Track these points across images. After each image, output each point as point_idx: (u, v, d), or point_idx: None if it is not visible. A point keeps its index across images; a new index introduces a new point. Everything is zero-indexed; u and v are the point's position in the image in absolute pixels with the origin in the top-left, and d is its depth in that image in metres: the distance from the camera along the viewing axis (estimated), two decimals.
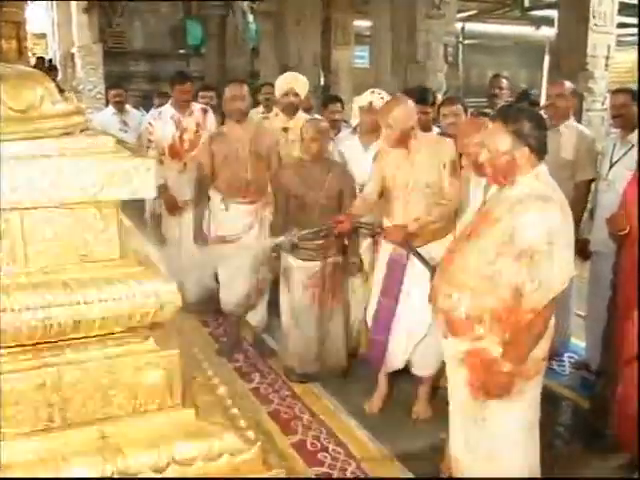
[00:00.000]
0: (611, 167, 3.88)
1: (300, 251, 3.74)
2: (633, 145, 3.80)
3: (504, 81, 5.13)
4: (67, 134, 1.45)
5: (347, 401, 3.63)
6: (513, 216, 2.25)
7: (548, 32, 12.03)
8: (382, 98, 3.82)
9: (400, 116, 3.20)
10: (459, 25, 12.54)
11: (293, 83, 4.42)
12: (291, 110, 4.41)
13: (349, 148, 4.04)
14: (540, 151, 2.31)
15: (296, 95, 4.38)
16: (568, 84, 4.34)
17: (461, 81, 13.79)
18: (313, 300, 3.78)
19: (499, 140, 2.31)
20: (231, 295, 4.18)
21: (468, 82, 14.17)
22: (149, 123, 4.75)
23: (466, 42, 13.99)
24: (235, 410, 1.69)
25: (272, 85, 6.14)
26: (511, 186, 2.32)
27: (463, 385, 2.49)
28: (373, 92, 3.95)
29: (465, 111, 3.88)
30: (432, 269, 3.01)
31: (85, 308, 1.38)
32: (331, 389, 3.77)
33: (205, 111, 4.87)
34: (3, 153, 1.32)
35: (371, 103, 3.84)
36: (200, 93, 5.43)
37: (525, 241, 2.21)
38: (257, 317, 4.28)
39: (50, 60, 11.46)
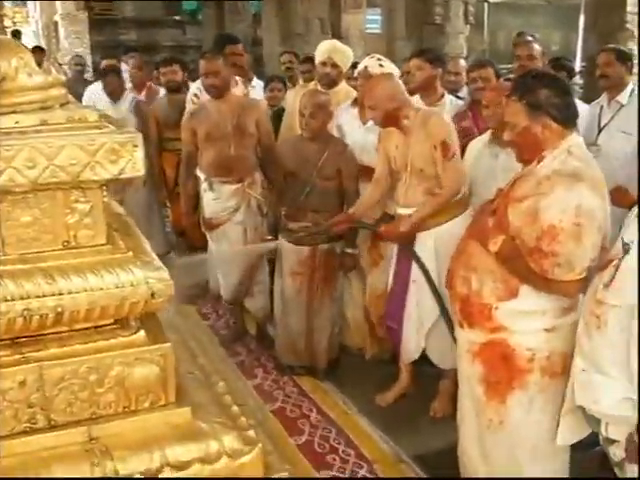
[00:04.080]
0: (600, 131, 3.97)
1: (289, 233, 3.75)
2: (623, 105, 3.95)
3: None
4: (45, 108, 1.45)
5: (359, 398, 3.65)
6: (539, 194, 2.22)
7: None
8: (381, 65, 3.80)
9: (382, 96, 3.20)
10: None
11: (332, 53, 4.37)
12: (327, 82, 4.37)
13: (347, 122, 4.04)
14: (566, 119, 2.28)
15: (334, 66, 4.34)
16: (537, 46, 4.44)
17: (486, 45, 13.63)
18: (301, 288, 3.80)
19: (515, 115, 2.29)
20: (226, 282, 4.22)
21: (494, 46, 13.94)
22: (194, 95, 4.68)
23: (492, 1, 13.78)
24: (235, 408, 1.70)
25: (293, 53, 6.12)
26: (540, 161, 2.29)
27: (477, 382, 2.47)
28: (373, 57, 3.93)
29: (497, 76, 3.86)
30: (426, 273, 3.09)
31: (68, 299, 1.39)
32: (342, 385, 3.79)
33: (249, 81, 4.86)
34: None
35: (366, 68, 3.81)
36: (161, 69, 5.27)
37: (549, 221, 2.19)
38: (257, 305, 4.31)
39: (16, 32, 11.32)
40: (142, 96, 5.78)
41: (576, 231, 2.17)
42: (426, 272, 3.19)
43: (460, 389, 2.64)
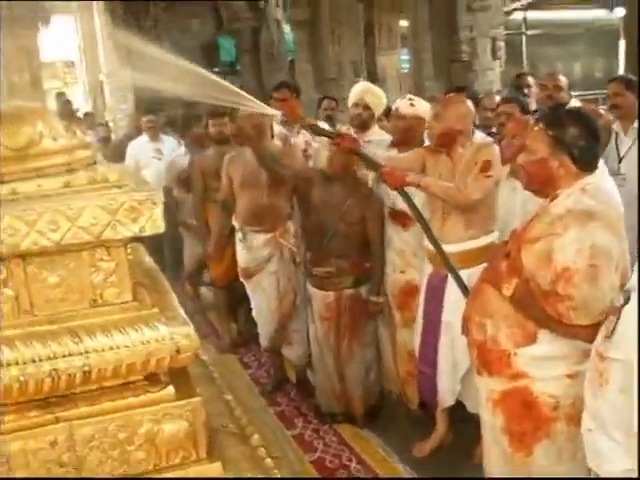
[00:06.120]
0: (621, 160, 3.95)
1: (313, 277, 3.72)
2: None
3: (530, 79, 5.13)
4: (71, 170, 1.48)
5: (400, 445, 3.55)
6: (552, 235, 2.15)
7: (623, 13, 11.71)
8: (412, 104, 3.78)
9: (452, 113, 3.16)
10: (520, 15, 12.33)
11: (364, 94, 4.32)
12: (358, 123, 4.34)
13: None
14: (586, 163, 2.20)
15: (366, 108, 4.30)
16: (563, 78, 4.51)
17: None
18: (329, 333, 3.73)
19: (537, 142, 2.25)
20: (263, 330, 4.20)
21: (535, 78, 13.84)
22: None
23: (530, 33, 13.70)
24: (268, 461, 1.68)
25: (333, 99, 6.13)
26: (553, 200, 2.24)
27: (500, 433, 2.36)
28: (404, 97, 3.92)
29: (523, 111, 3.82)
30: (461, 284, 2.98)
31: (94, 357, 1.40)
32: (383, 432, 3.69)
33: None
34: (1, 195, 1.35)
35: (397, 109, 3.80)
36: (210, 121, 5.27)
37: (563, 263, 2.11)
38: (295, 352, 4.25)
39: (61, 94, 11.20)
40: None
41: (591, 272, 2.08)
42: (461, 283, 3.02)
43: (484, 439, 2.52)
